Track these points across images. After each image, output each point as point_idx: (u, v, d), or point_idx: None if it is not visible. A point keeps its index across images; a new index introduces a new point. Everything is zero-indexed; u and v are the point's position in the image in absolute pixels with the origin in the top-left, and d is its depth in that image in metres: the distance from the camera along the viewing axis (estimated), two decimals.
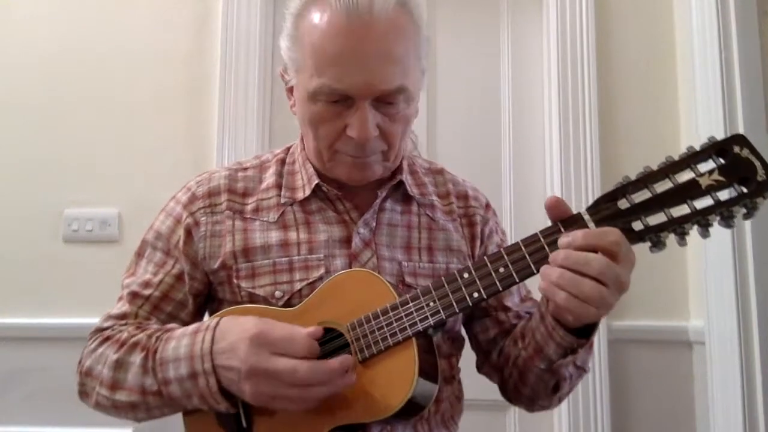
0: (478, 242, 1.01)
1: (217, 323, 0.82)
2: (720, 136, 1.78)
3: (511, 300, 1.00)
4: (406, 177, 0.98)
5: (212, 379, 0.79)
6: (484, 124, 2.00)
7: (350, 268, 0.91)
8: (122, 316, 0.93)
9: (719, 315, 1.65)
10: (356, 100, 0.84)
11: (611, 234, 0.72)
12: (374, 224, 0.94)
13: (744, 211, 0.71)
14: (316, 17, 0.85)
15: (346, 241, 0.92)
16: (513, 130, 1.99)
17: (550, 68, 1.97)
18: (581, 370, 0.90)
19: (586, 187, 1.84)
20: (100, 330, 0.93)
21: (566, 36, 1.93)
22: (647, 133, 1.89)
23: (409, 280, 0.92)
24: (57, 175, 1.92)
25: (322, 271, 0.90)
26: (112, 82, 1.96)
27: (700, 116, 1.74)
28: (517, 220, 1.93)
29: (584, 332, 0.83)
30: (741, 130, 1.65)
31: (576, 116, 1.89)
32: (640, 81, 1.92)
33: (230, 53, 1.93)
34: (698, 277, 1.76)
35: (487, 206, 1.06)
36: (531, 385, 0.92)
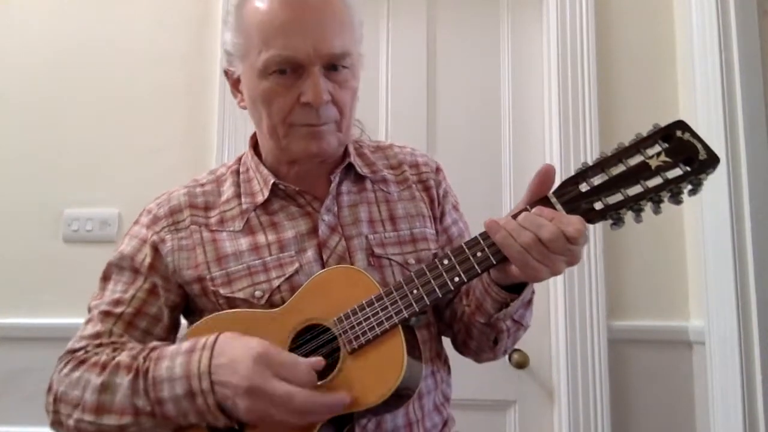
0: (437, 204, 1.05)
1: (215, 340, 0.82)
2: (720, 136, 1.78)
3: None
4: (354, 159, 1.02)
5: (210, 398, 0.79)
6: (484, 123, 2.00)
7: (320, 255, 0.93)
8: (96, 336, 0.91)
9: (719, 315, 1.65)
10: (306, 67, 0.89)
11: (577, 223, 0.78)
12: (336, 209, 0.97)
13: (690, 187, 0.79)
14: (257, 1, 0.91)
15: (314, 231, 0.95)
16: (513, 130, 1.99)
17: (550, 68, 1.97)
18: (519, 324, 0.96)
19: None
20: (72, 352, 0.90)
21: (566, 36, 1.93)
22: None
23: (378, 251, 0.96)
24: (57, 175, 1.92)
25: (296, 265, 0.92)
26: (112, 82, 1.96)
27: (700, 116, 1.74)
28: None
29: (517, 289, 0.88)
30: (741, 130, 1.65)
31: (576, 116, 1.89)
32: (640, 81, 1.92)
33: None
34: (698, 277, 1.76)
35: (438, 170, 1.09)
36: (476, 338, 0.98)
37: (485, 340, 0.97)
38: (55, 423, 0.87)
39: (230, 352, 0.80)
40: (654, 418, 1.80)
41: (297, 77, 0.89)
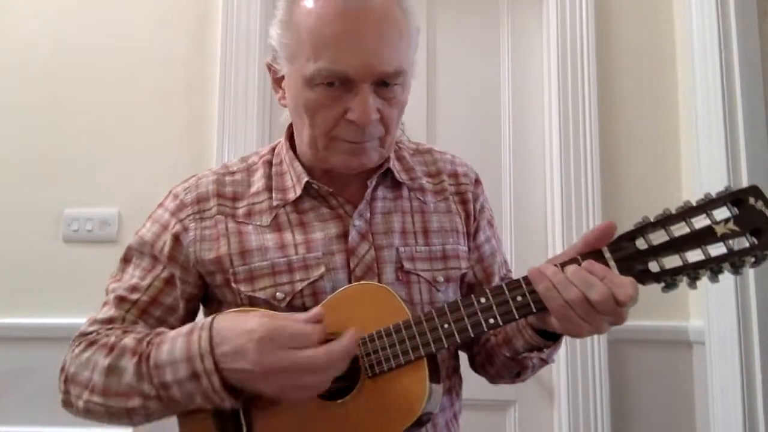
0: (472, 219, 1.01)
1: (212, 321, 0.80)
2: (720, 135, 1.77)
3: (494, 282, 1.02)
4: (393, 164, 0.98)
5: (215, 378, 0.77)
6: (484, 123, 2.00)
7: (347, 262, 0.90)
8: (108, 321, 0.91)
9: (719, 315, 1.65)
10: (356, 83, 0.83)
11: (629, 287, 0.74)
12: (369, 215, 0.94)
13: (753, 260, 0.74)
14: (312, 1, 0.85)
15: (343, 236, 0.91)
16: (513, 130, 1.99)
17: (550, 68, 1.97)
18: (544, 362, 0.94)
19: (585, 187, 1.84)
20: (84, 334, 0.90)
21: (566, 36, 1.93)
22: (647, 133, 1.89)
23: (407, 265, 0.92)
24: (57, 175, 1.92)
25: (322, 269, 0.89)
26: (112, 82, 1.96)
27: (699, 116, 1.74)
28: (517, 220, 1.93)
29: (552, 335, 0.85)
30: (741, 131, 1.65)
31: (576, 116, 1.89)
32: (640, 81, 1.92)
33: (230, 53, 1.93)
34: None
35: (477, 181, 1.05)
36: (497, 366, 0.96)
37: (507, 372, 0.95)
38: (66, 403, 0.88)
39: (233, 339, 0.77)
40: (654, 418, 1.80)
41: (345, 91, 0.84)
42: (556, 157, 1.89)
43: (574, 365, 1.79)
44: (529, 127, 1.99)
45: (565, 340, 1.76)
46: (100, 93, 1.96)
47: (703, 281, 0.76)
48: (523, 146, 1.99)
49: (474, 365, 1.03)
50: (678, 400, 1.80)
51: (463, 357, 1.03)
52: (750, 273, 1.61)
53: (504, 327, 0.89)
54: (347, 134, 0.87)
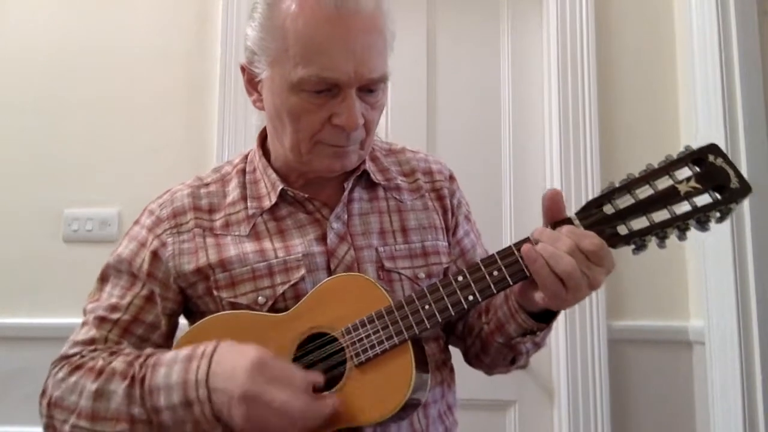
0: (450, 214, 1.02)
1: (214, 349, 0.80)
2: (720, 135, 1.78)
3: None
4: (369, 165, 0.98)
5: (207, 407, 0.77)
6: (484, 123, 2.00)
7: (328, 264, 0.91)
8: (90, 342, 0.89)
9: (719, 315, 1.65)
10: (343, 89, 0.84)
11: (594, 237, 0.77)
12: (346, 217, 0.94)
13: (718, 215, 0.77)
14: (297, 5, 0.84)
15: (322, 239, 0.92)
16: (513, 130, 1.99)
17: (550, 68, 1.97)
18: (538, 346, 0.95)
19: (586, 187, 1.84)
20: (66, 357, 0.88)
21: (566, 36, 1.93)
22: (647, 133, 1.89)
23: (388, 264, 0.92)
24: (57, 175, 1.92)
25: (302, 271, 0.89)
26: (112, 82, 1.96)
27: (700, 116, 1.74)
28: (517, 220, 1.93)
29: (544, 318, 0.87)
30: (741, 131, 1.65)
31: (576, 116, 1.89)
32: (640, 81, 1.92)
33: (230, 53, 1.93)
34: (698, 277, 1.76)
35: (451, 178, 1.06)
36: (491, 355, 0.97)
37: (501, 359, 0.96)
38: (49, 427, 0.85)
39: (228, 362, 0.77)
40: (654, 418, 1.80)
41: (331, 96, 0.85)
42: (556, 157, 1.89)
43: (574, 365, 1.79)
44: (529, 127, 1.99)
45: (566, 338, 1.78)
46: (100, 93, 1.96)
47: (672, 240, 0.79)
48: (523, 146, 1.98)
49: (468, 358, 1.03)
50: (678, 400, 1.80)
51: (456, 354, 1.03)
52: (750, 273, 1.61)
53: (495, 312, 0.92)
54: (331, 138, 0.87)
